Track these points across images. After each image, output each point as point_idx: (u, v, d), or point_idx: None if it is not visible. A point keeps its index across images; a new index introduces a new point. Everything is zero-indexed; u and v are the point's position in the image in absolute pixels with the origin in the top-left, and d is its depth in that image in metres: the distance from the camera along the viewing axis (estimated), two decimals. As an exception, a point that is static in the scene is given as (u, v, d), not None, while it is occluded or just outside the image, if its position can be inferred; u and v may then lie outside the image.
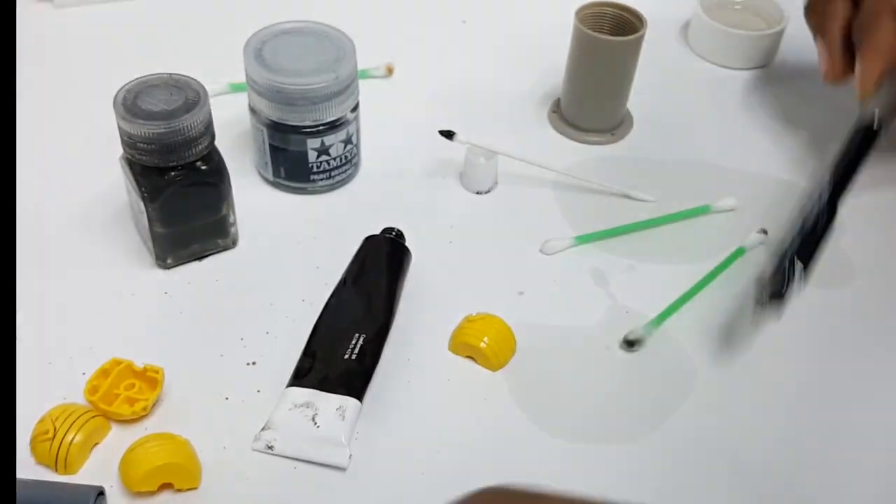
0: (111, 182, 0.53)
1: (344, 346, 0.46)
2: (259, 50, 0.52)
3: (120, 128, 0.46)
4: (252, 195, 0.55)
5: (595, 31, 0.58)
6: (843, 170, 0.51)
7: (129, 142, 0.46)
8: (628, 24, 0.59)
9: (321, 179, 0.55)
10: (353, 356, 0.45)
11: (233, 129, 0.59)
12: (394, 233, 0.52)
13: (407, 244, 0.52)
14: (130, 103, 0.46)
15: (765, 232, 0.55)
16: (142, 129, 0.45)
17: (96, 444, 0.42)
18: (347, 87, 0.53)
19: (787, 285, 0.46)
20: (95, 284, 0.50)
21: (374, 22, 0.70)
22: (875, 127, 0.53)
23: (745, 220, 0.56)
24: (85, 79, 0.63)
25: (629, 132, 0.63)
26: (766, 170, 0.61)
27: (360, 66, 0.54)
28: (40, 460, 0.41)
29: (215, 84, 0.61)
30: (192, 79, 0.48)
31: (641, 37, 0.58)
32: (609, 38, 0.58)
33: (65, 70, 0.65)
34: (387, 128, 0.61)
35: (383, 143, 0.60)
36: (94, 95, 0.54)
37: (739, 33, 0.68)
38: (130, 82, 0.47)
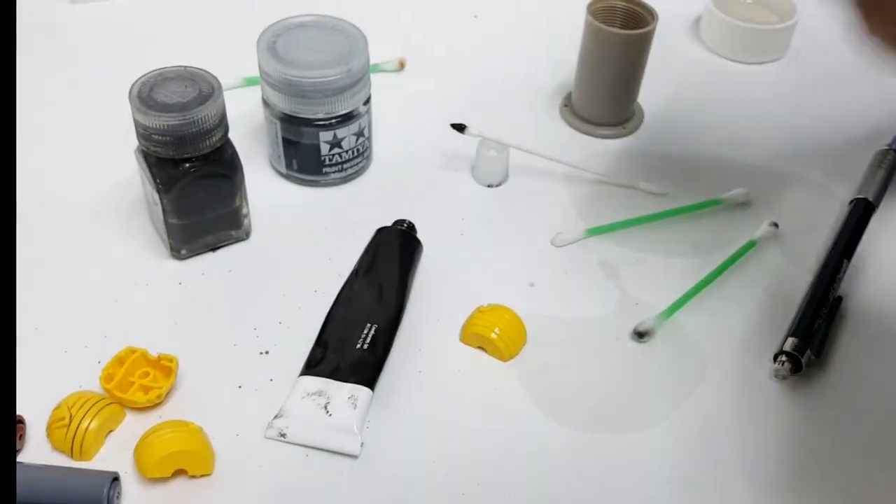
0: (127, 174, 0.54)
1: (356, 335, 0.46)
2: (272, 43, 0.53)
3: (135, 120, 0.46)
4: (265, 188, 0.56)
5: (606, 25, 0.58)
6: (844, 247, 0.53)
7: (143, 133, 0.46)
8: (640, 18, 0.59)
9: (333, 172, 0.56)
10: (365, 346, 0.46)
11: (247, 122, 0.59)
12: (405, 225, 0.52)
13: (418, 236, 0.52)
14: (146, 95, 0.46)
15: (776, 225, 0.55)
16: (156, 120, 0.45)
17: (111, 431, 0.43)
18: (360, 80, 0.53)
19: (801, 361, 0.47)
20: (111, 274, 0.50)
21: (386, 17, 0.70)
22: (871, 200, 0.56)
23: (756, 212, 0.56)
24: (101, 73, 0.64)
25: (640, 126, 0.63)
26: (777, 163, 0.61)
27: (372, 61, 0.54)
28: (56, 446, 0.42)
29: (229, 78, 0.61)
30: (207, 71, 0.48)
31: (652, 30, 0.58)
32: (620, 32, 0.58)
33: (81, 64, 0.65)
34: (399, 121, 0.62)
35: (395, 137, 0.60)
36: (110, 89, 0.55)
37: (751, 27, 0.68)
38: (146, 75, 0.48)
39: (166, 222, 0.49)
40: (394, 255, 0.50)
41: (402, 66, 0.66)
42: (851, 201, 0.57)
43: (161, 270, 0.51)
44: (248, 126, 0.59)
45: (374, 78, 0.56)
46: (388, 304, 0.48)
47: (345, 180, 0.57)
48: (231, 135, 0.49)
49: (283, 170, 0.56)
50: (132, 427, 0.43)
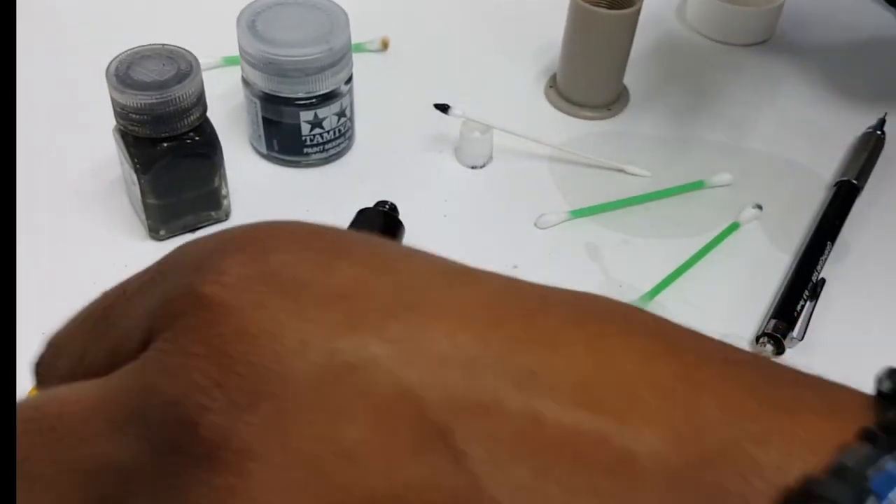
0: (106, 154, 0.53)
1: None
2: (252, 21, 0.52)
3: (112, 98, 0.46)
4: (245, 168, 0.55)
5: (592, 5, 0.58)
6: (827, 229, 0.53)
7: (121, 112, 0.46)
8: (625, -2, 0.59)
9: (315, 153, 0.55)
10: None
11: (227, 102, 0.58)
12: (387, 206, 0.52)
13: (401, 218, 0.52)
14: (123, 74, 0.46)
15: (759, 207, 0.55)
16: (134, 99, 0.45)
17: (89, 413, 0.42)
18: (341, 59, 0.52)
19: (783, 343, 0.47)
20: (89, 256, 0.49)
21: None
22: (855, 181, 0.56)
23: (740, 195, 0.56)
24: (79, 51, 0.63)
25: (626, 107, 0.63)
26: (762, 145, 0.61)
27: (355, 40, 0.54)
28: (33, 429, 0.41)
29: (209, 57, 0.60)
30: (185, 49, 0.47)
31: (638, 10, 0.58)
32: (605, 12, 0.58)
33: (58, 42, 0.64)
34: (382, 102, 0.61)
35: (378, 117, 0.60)
36: (89, 67, 0.54)
37: (738, 8, 0.68)
38: (123, 53, 0.47)
39: (145, 203, 0.48)
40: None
41: (385, 45, 0.65)
42: (835, 183, 0.57)
43: (140, 252, 0.50)
44: (228, 106, 0.58)
45: (357, 58, 0.55)
46: (369, 286, 0.47)
47: (326, 161, 0.56)
48: (211, 115, 0.49)
49: (264, 150, 0.55)
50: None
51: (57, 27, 0.66)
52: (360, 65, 0.57)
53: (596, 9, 0.57)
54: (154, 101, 0.45)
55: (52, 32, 0.65)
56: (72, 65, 0.62)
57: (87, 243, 0.50)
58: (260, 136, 0.55)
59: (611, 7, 0.59)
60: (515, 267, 0.51)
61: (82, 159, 0.55)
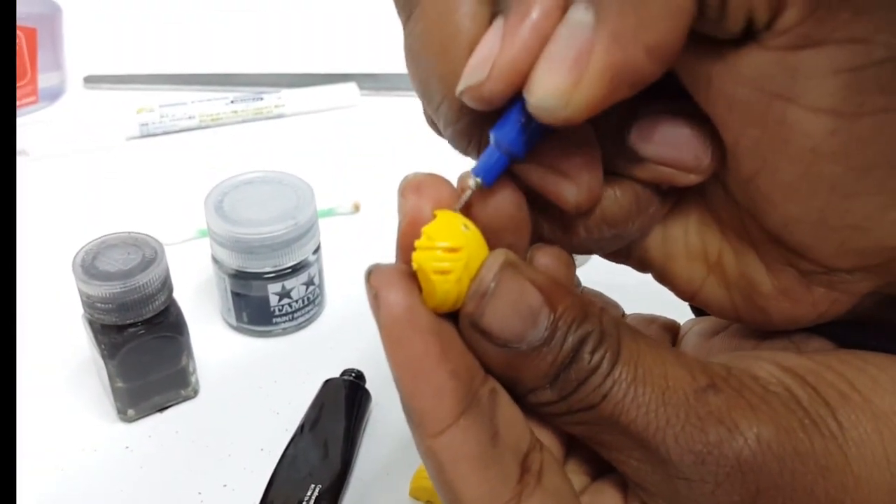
0: (77, 336, 0.54)
1: (299, 497, 0.45)
2: (220, 202, 0.54)
3: (79, 288, 0.47)
4: (216, 341, 0.56)
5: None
6: None
7: (87, 301, 0.47)
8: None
9: (284, 322, 0.56)
10: (309, 508, 0.45)
11: (201, 274, 0.60)
12: (353, 374, 0.52)
13: (370, 384, 0.52)
14: (89, 264, 0.47)
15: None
16: (98, 289, 0.46)
17: None
18: (307, 232, 0.54)
19: None
20: (58, 439, 0.50)
21: (343, 164, 0.72)
22: None
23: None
24: (56, 234, 0.65)
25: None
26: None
27: (327, 205, 0.55)
28: None
29: (185, 231, 0.62)
30: (150, 237, 0.49)
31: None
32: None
33: (38, 224, 0.66)
34: (352, 264, 0.62)
35: (349, 281, 0.61)
36: (65, 251, 0.56)
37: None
38: (90, 243, 0.49)
39: (113, 386, 0.49)
40: (340, 408, 0.50)
41: (356, 208, 0.67)
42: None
43: (109, 434, 0.50)
44: (202, 279, 0.60)
45: (329, 221, 0.57)
46: (332, 462, 0.47)
47: (296, 329, 0.57)
48: (184, 287, 0.50)
49: (234, 322, 0.57)
50: None
51: (39, 208, 0.68)
52: (332, 228, 0.58)
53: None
54: (118, 290, 0.46)
55: (33, 214, 0.68)
56: (49, 248, 0.63)
57: (57, 427, 0.51)
58: (230, 308, 0.56)
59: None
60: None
61: (53, 342, 0.56)
